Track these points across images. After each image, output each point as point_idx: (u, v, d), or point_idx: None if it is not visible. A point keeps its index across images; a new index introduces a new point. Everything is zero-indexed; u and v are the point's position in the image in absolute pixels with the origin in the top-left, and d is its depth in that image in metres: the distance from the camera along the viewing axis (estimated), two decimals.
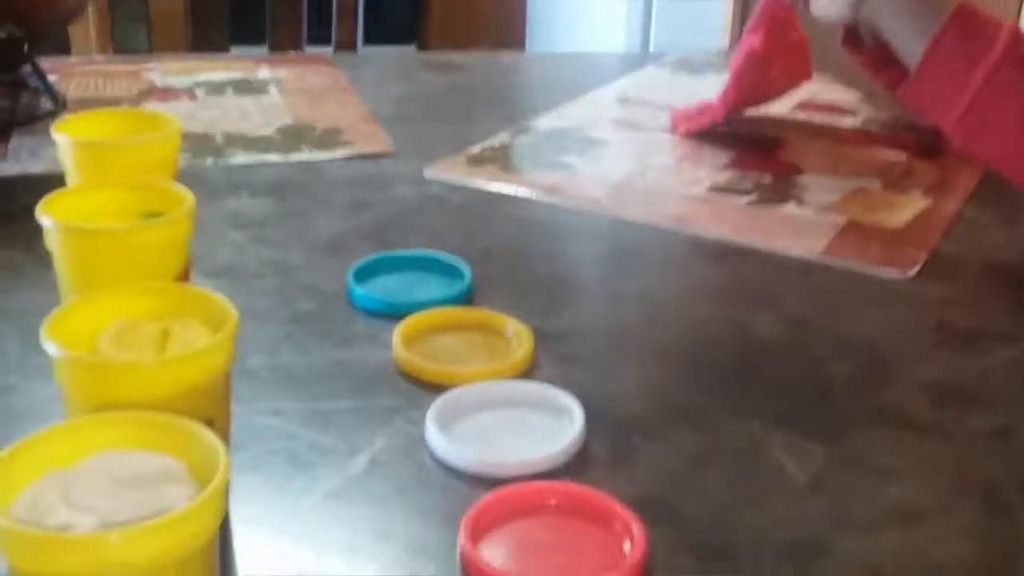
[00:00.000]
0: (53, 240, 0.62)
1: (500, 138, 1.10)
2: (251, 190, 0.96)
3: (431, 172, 1.01)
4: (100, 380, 0.49)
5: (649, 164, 1.05)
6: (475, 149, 1.07)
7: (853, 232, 0.91)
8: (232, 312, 0.52)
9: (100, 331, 0.53)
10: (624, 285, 0.84)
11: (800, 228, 0.91)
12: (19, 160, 0.99)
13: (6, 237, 0.84)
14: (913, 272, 0.84)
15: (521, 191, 0.97)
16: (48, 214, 0.63)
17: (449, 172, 1.01)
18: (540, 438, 0.61)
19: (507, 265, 0.85)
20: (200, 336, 0.52)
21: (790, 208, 0.95)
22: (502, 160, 1.04)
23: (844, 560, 0.54)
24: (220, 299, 0.54)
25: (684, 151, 1.09)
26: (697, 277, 0.86)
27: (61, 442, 0.45)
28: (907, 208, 0.96)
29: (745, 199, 0.97)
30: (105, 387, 0.49)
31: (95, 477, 0.43)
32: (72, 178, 0.75)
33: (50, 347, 0.49)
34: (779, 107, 1.21)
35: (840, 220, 0.93)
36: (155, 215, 0.66)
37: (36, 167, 0.97)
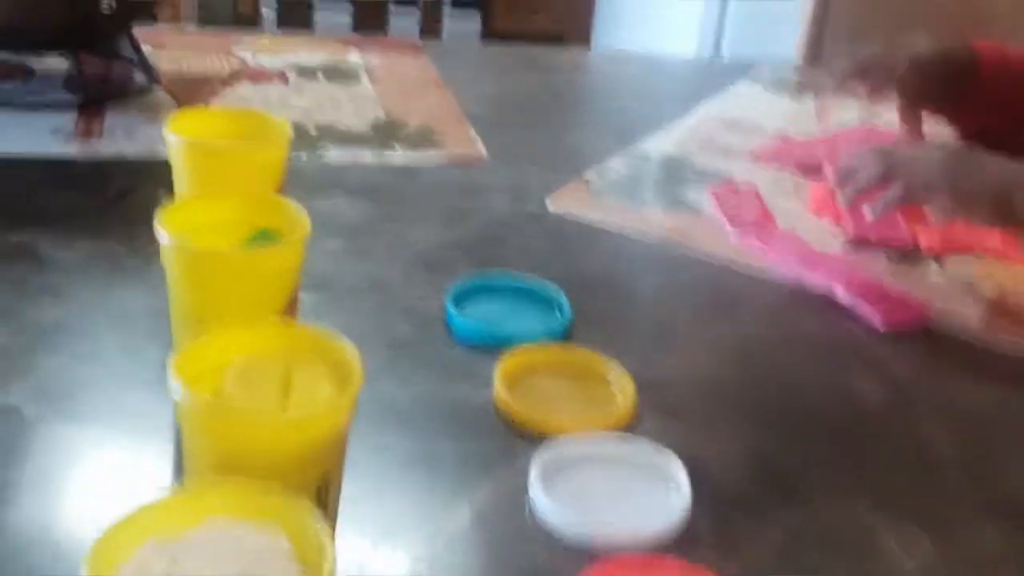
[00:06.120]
0: (168, 256, 0.61)
1: (614, 165, 1.06)
2: (345, 190, 0.94)
3: (554, 205, 0.96)
4: (226, 426, 0.48)
5: (776, 208, 0.99)
6: (590, 176, 1.02)
7: (1004, 304, 0.85)
8: (357, 368, 0.50)
9: (223, 367, 0.51)
10: (728, 333, 0.81)
11: (948, 295, 0.86)
12: (114, 140, 0.97)
13: (102, 224, 0.82)
14: None
15: (649, 233, 0.93)
16: (164, 227, 0.62)
17: (572, 207, 0.96)
18: (645, 507, 0.60)
19: (606, 296, 0.83)
20: (322, 383, 0.51)
21: (932, 272, 0.89)
22: (623, 193, 1.00)
23: None
24: (345, 345, 0.52)
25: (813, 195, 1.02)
26: (807, 333, 0.83)
27: (170, 510, 0.44)
28: None
29: (883, 257, 0.92)
30: (230, 433, 0.48)
31: (201, 550, 0.42)
32: (181, 177, 0.74)
33: (178, 391, 0.48)
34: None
35: (984, 288, 0.87)
36: (266, 232, 0.65)
37: (131, 148, 0.95)
